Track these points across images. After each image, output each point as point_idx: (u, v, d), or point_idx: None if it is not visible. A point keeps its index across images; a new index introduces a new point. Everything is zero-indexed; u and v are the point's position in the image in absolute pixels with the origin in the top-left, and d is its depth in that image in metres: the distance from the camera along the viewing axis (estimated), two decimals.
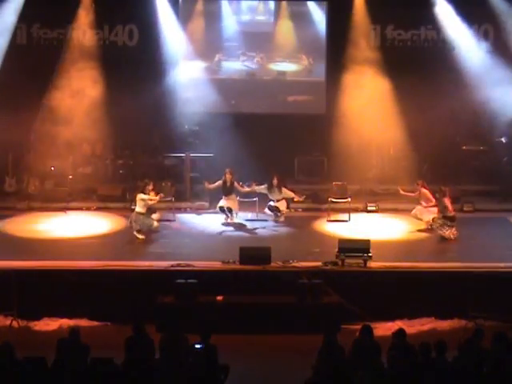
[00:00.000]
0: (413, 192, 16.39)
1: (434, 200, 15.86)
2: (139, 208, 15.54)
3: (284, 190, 16.99)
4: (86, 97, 18.82)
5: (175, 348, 9.35)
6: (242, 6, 20.89)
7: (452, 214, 15.44)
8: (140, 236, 15.35)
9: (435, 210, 15.81)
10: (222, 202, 16.74)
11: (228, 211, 16.74)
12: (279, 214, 16.95)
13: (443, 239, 15.25)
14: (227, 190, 16.77)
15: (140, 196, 15.61)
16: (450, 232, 15.31)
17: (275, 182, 16.87)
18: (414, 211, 16.26)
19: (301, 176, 18.15)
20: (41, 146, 18.94)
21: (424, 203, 16.10)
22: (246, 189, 16.97)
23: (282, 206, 16.96)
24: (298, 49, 20.83)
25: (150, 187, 15.77)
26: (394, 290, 12.75)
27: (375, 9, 19.71)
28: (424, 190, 16.14)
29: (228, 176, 16.75)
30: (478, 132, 19.88)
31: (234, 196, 16.81)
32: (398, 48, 20.22)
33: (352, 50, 19.66)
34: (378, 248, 13.84)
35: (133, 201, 16.33)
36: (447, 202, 15.41)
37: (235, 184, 16.78)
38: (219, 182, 16.85)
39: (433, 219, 15.67)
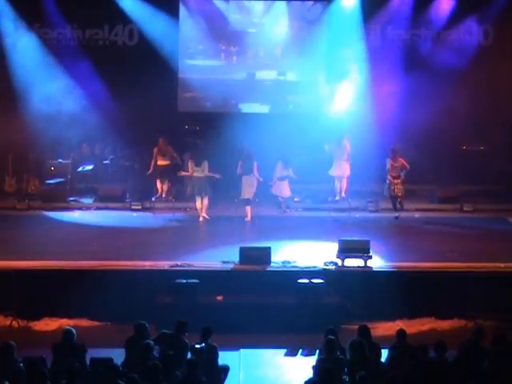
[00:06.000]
0: None
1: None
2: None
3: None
4: None
5: (175, 348, 9.34)
6: (242, 6, 20.92)
7: (392, 174, 16.29)
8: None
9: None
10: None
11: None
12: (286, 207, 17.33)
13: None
14: None
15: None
16: (390, 190, 16.28)
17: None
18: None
19: (301, 176, 18.14)
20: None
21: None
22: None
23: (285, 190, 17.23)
24: (297, 49, 20.85)
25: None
26: (394, 290, 12.72)
27: (374, 8, 19.75)
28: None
29: None
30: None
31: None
32: (397, 48, 20.25)
33: (352, 49, 19.69)
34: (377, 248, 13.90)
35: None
36: (388, 163, 16.01)
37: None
38: None
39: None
